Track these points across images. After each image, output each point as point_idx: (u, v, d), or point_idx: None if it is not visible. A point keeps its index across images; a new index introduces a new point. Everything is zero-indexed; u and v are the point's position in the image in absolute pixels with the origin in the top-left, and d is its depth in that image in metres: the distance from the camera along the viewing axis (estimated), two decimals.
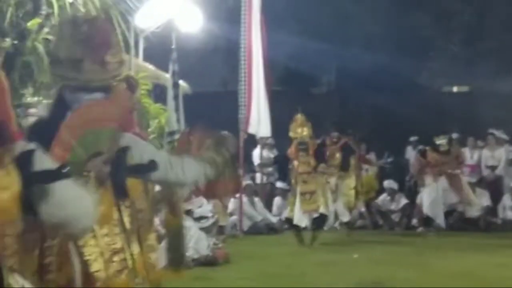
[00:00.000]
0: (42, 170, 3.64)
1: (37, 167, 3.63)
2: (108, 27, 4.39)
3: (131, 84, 4.70)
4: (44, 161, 3.68)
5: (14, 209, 3.53)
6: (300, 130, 14.13)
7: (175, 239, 5.41)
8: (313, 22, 20.43)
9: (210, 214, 13.20)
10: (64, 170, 3.64)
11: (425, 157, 16.10)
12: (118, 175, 4.13)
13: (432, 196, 15.72)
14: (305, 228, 14.23)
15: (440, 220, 15.74)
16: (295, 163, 14.27)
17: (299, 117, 14.23)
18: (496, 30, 20.65)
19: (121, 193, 4.20)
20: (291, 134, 14.22)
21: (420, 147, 18.21)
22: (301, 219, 14.17)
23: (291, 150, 14.34)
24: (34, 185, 3.61)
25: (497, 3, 20.51)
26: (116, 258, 4.16)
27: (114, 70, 4.22)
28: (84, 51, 4.11)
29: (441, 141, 15.91)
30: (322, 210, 14.08)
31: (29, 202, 3.67)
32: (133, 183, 4.39)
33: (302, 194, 14.10)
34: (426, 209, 15.83)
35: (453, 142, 16.30)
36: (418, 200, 16.50)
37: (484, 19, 20.90)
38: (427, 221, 15.95)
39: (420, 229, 16.20)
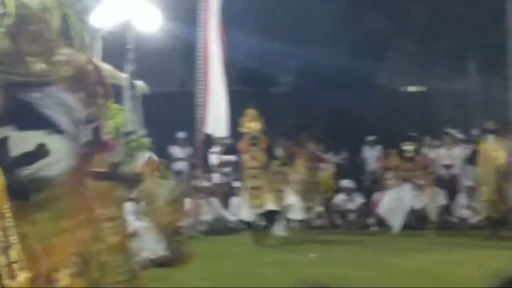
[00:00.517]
0: (23, 153, 3.66)
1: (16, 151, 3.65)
2: (55, 24, 4.39)
3: (107, 91, 4.69)
4: (21, 144, 3.70)
5: (1, 201, 3.51)
6: (251, 124, 14.15)
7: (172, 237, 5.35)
8: (271, 22, 20.46)
9: None
10: (43, 149, 3.66)
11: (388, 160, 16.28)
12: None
13: (390, 199, 15.82)
14: (262, 228, 14.25)
15: (395, 223, 15.82)
16: (245, 157, 14.31)
17: (251, 111, 14.26)
18: (452, 30, 20.83)
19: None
20: (242, 128, 14.25)
21: (378, 147, 18.37)
22: (248, 214, 14.20)
23: (241, 145, 14.37)
24: (17, 169, 3.61)
25: (452, 4, 20.69)
26: (75, 259, 4.14)
27: (64, 65, 4.22)
28: (36, 47, 4.11)
29: (407, 147, 16.00)
30: (269, 206, 14.07)
31: (18, 187, 3.66)
32: (105, 190, 4.37)
33: (250, 189, 14.13)
34: (381, 210, 15.94)
35: (420, 150, 16.36)
36: (374, 199, 16.65)
37: (440, 20, 21.06)
38: (382, 221, 16.08)
39: (374, 228, 16.33)
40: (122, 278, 5.04)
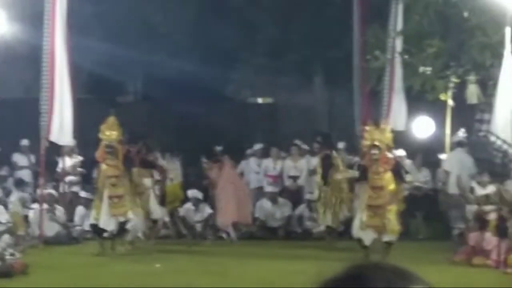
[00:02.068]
0: None
1: None
2: None
3: None
4: None
5: None
6: (109, 133, 13.97)
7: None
8: (120, 29, 20.22)
9: (3, 221, 12.73)
10: None
11: None
12: None
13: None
14: (109, 237, 14.06)
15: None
16: (103, 166, 14.09)
17: (111, 119, 14.11)
18: (299, 44, 21.17)
19: None
20: (100, 135, 14.03)
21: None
22: (108, 223, 13.98)
23: (98, 153, 14.13)
24: None
25: (300, 18, 21.05)
26: None
27: None
28: None
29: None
30: (130, 215, 13.92)
31: None
32: None
33: (110, 197, 13.94)
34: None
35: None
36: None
37: (289, 33, 21.38)
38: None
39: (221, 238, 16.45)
40: None
